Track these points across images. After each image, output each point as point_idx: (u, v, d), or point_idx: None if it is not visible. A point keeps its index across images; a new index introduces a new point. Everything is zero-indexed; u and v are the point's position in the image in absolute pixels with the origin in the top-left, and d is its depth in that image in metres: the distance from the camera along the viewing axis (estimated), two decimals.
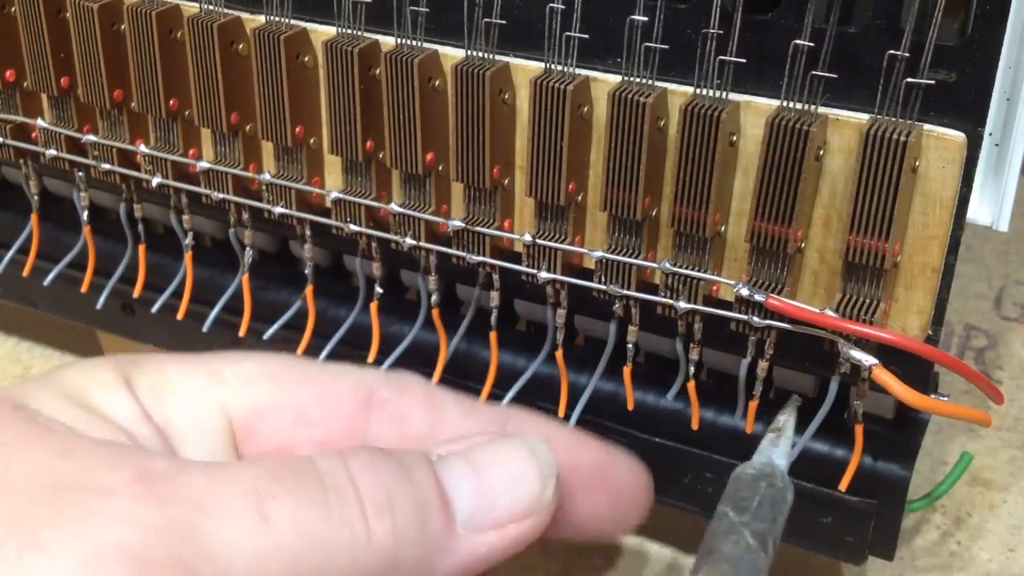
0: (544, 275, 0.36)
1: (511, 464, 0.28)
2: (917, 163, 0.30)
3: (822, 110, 0.31)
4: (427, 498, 0.27)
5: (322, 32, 0.37)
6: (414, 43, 0.35)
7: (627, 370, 0.37)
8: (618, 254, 0.34)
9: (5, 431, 0.25)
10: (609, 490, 0.30)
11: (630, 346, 0.36)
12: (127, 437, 0.27)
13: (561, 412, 0.38)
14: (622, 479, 0.30)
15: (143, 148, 0.41)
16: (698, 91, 0.32)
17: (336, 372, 0.31)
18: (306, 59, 0.37)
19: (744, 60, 0.31)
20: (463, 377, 0.40)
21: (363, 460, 0.26)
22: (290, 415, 0.30)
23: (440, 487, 0.27)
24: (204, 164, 0.40)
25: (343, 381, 0.30)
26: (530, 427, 0.31)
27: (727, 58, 0.31)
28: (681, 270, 0.34)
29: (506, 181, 0.36)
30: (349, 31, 0.36)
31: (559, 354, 0.38)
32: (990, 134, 0.31)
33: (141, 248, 0.44)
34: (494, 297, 0.38)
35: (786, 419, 0.31)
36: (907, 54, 0.29)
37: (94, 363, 0.29)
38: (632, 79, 0.33)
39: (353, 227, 0.38)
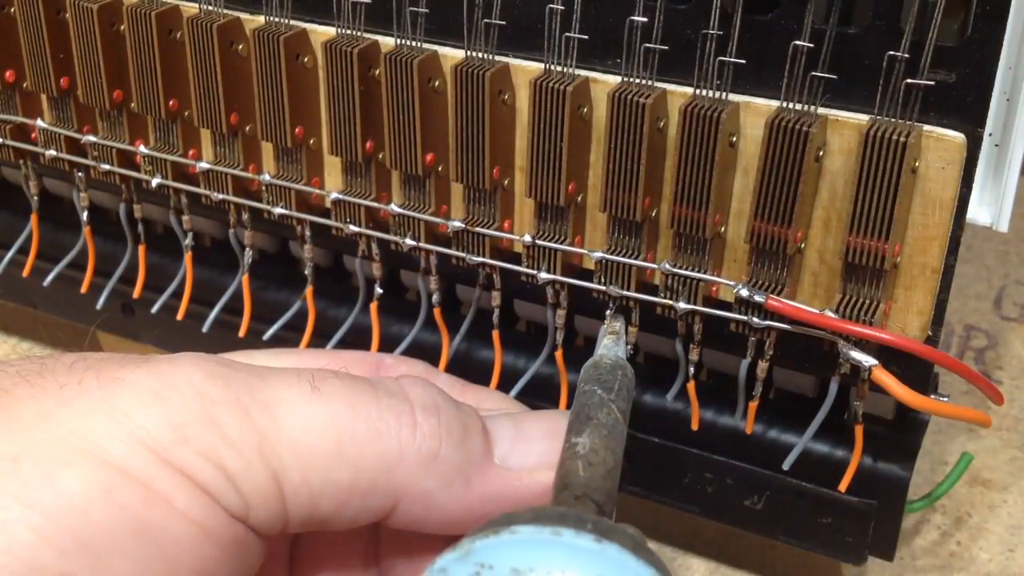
0: (544, 276, 0.36)
1: (548, 422, 0.31)
2: (917, 164, 0.30)
3: (822, 111, 0.31)
4: (471, 423, 0.29)
5: (322, 32, 0.37)
6: (414, 44, 0.35)
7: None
8: (618, 255, 0.34)
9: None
10: None
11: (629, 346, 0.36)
12: None
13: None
14: None
15: (143, 148, 0.41)
16: (698, 92, 0.32)
17: (348, 351, 0.36)
18: (306, 60, 0.37)
19: (744, 61, 0.31)
20: (463, 377, 0.40)
21: (415, 380, 0.29)
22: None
23: (484, 424, 0.30)
24: (204, 165, 0.40)
25: (355, 354, 0.35)
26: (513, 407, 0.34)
27: (727, 59, 0.31)
28: (681, 271, 0.34)
29: (506, 182, 0.36)
30: (349, 32, 0.36)
31: (559, 355, 0.38)
32: (990, 134, 0.31)
33: (141, 248, 0.44)
34: (495, 297, 0.38)
35: (620, 324, 0.35)
36: (907, 55, 0.29)
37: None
38: (632, 80, 0.33)
39: (353, 228, 0.38)
